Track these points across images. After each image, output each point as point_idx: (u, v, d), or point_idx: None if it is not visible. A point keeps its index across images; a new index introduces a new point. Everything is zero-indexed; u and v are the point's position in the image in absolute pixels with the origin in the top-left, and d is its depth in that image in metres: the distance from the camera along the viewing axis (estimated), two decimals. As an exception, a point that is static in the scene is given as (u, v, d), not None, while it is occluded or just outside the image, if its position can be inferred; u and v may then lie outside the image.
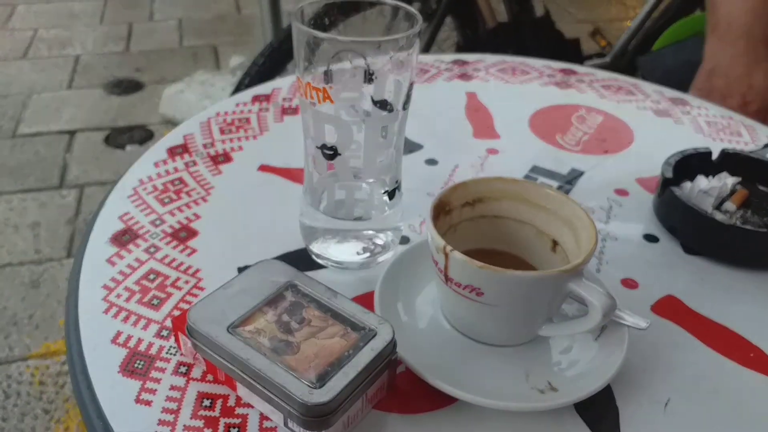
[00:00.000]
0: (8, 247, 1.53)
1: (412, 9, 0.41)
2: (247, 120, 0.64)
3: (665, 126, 0.68)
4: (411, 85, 0.41)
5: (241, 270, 0.45)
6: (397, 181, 0.46)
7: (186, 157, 0.58)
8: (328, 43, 0.38)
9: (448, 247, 0.35)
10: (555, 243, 0.41)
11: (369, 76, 0.39)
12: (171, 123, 2.02)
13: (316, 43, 0.38)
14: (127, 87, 2.24)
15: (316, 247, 0.47)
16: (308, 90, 0.40)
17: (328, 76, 0.39)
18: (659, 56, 1.01)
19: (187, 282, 0.44)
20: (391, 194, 0.45)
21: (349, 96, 0.40)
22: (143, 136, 1.97)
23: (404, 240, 0.49)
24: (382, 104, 0.41)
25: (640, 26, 1.60)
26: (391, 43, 0.38)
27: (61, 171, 1.80)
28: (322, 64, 0.39)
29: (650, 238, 0.52)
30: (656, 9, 1.62)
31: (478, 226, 0.42)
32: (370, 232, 0.46)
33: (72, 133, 1.97)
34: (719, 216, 0.49)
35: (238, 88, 1.17)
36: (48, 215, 1.64)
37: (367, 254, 0.46)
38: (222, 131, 0.62)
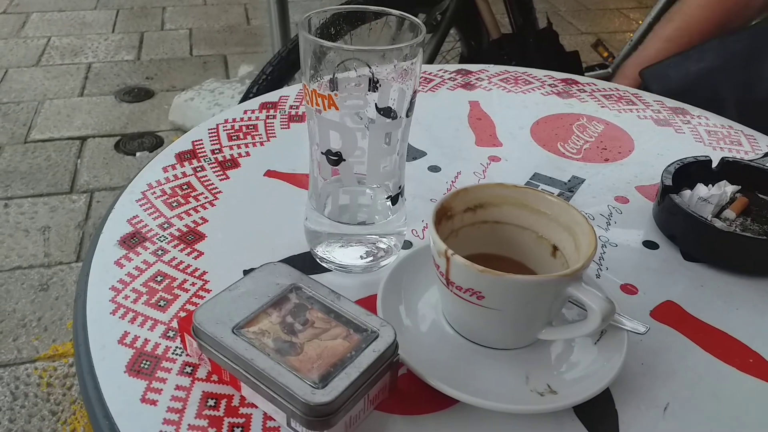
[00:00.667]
0: (18, 250, 1.55)
1: (417, 19, 0.42)
2: (255, 127, 0.66)
3: (665, 135, 0.69)
4: (414, 93, 0.42)
5: (246, 272, 0.46)
6: (400, 187, 0.46)
7: (194, 162, 0.59)
8: (333, 51, 0.39)
9: (450, 251, 0.36)
10: (555, 248, 0.41)
11: (373, 84, 0.40)
12: (180, 130, 2.04)
13: (322, 51, 0.39)
14: (137, 94, 2.26)
15: (321, 251, 0.47)
16: (314, 97, 0.41)
17: (333, 84, 0.40)
18: (662, 68, 1.02)
19: (193, 284, 0.45)
20: (394, 200, 0.46)
21: (353, 103, 0.41)
22: (153, 142, 1.99)
23: (407, 245, 0.50)
24: (386, 112, 0.42)
25: (642, 37, 1.61)
26: (395, 52, 0.39)
27: (72, 176, 1.83)
28: (327, 73, 0.40)
29: (650, 245, 0.52)
30: (658, 20, 1.62)
31: (480, 231, 0.43)
32: (374, 236, 0.47)
33: (83, 140, 1.99)
34: (719, 223, 0.50)
35: (247, 96, 1.18)
36: (58, 220, 1.66)
37: (371, 258, 0.47)
38: (230, 137, 0.63)
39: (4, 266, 1.50)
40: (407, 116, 0.43)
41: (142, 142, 1.99)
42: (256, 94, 1.17)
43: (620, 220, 0.55)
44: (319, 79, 0.40)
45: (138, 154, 1.93)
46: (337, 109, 0.41)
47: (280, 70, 1.22)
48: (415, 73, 0.41)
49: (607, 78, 1.61)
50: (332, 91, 0.40)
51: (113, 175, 1.83)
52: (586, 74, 1.66)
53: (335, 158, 0.43)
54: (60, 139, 1.99)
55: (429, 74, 0.79)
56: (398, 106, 0.42)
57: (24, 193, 1.75)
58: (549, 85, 0.78)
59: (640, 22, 3.01)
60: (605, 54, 1.63)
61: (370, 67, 0.39)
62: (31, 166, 1.86)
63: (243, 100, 1.19)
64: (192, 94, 2.04)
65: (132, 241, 0.49)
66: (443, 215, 0.41)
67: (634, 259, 0.50)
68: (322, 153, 0.44)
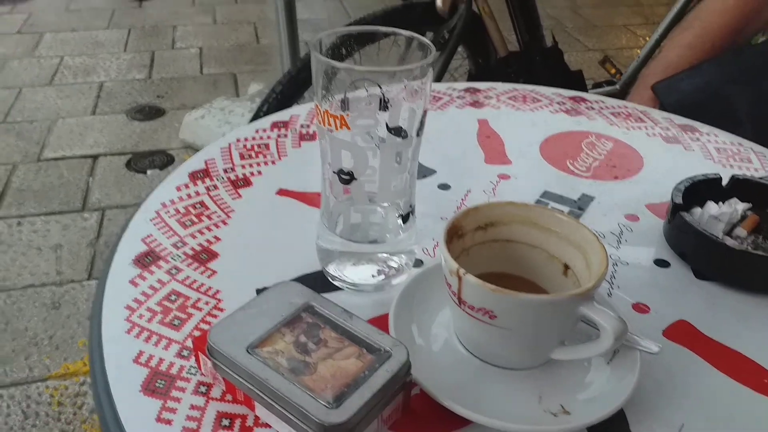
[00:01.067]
0: (31, 268, 1.57)
1: (426, 39, 0.42)
2: (266, 146, 0.66)
3: (675, 152, 0.69)
4: (424, 112, 0.43)
5: (259, 292, 0.47)
6: (410, 206, 0.47)
7: (207, 181, 0.60)
8: (345, 72, 0.39)
9: (462, 270, 0.36)
10: (566, 267, 0.41)
11: (384, 104, 0.40)
12: (191, 148, 2.06)
13: (333, 72, 0.40)
14: (148, 113, 2.29)
15: (332, 269, 0.48)
16: (326, 117, 0.42)
17: (345, 104, 0.41)
18: (675, 81, 1.02)
19: (207, 303, 0.46)
20: (405, 218, 0.47)
21: (365, 123, 0.41)
22: (164, 160, 2.01)
23: (418, 263, 0.50)
24: (397, 131, 0.42)
25: (650, 53, 1.62)
26: (405, 72, 0.40)
27: (84, 194, 1.84)
28: (339, 93, 0.40)
29: (661, 263, 0.52)
30: (666, 35, 1.63)
31: (491, 249, 0.43)
32: (385, 254, 0.47)
33: (95, 158, 2.02)
34: (730, 241, 0.50)
35: (257, 114, 1.19)
36: (70, 237, 1.67)
37: (382, 277, 0.47)
38: (242, 156, 0.64)
39: (17, 284, 1.52)
40: (418, 135, 0.44)
41: (153, 160, 2.01)
42: (266, 113, 1.18)
43: (631, 238, 0.55)
44: (330, 99, 0.41)
45: (149, 172, 1.95)
46: (348, 128, 0.42)
47: (290, 89, 1.23)
48: (426, 93, 0.42)
49: (615, 94, 1.62)
50: (344, 111, 0.41)
51: (124, 193, 1.84)
52: (593, 91, 1.67)
53: (347, 177, 0.44)
54: (72, 158, 2.01)
55: (438, 92, 0.79)
56: (409, 126, 0.42)
57: (37, 211, 1.77)
58: (557, 102, 0.78)
59: (647, 38, 3.02)
60: (613, 71, 1.64)
61: (380, 87, 0.40)
62: (44, 185, 1.88)
63: (254, 118, 1.20)
64: (202, 113, 2.07)
65: (146, 260, 0.50)
66: (454, 234, 0.41)
67: (646, 277, 0.50)
68: (333, 172, 0.44)
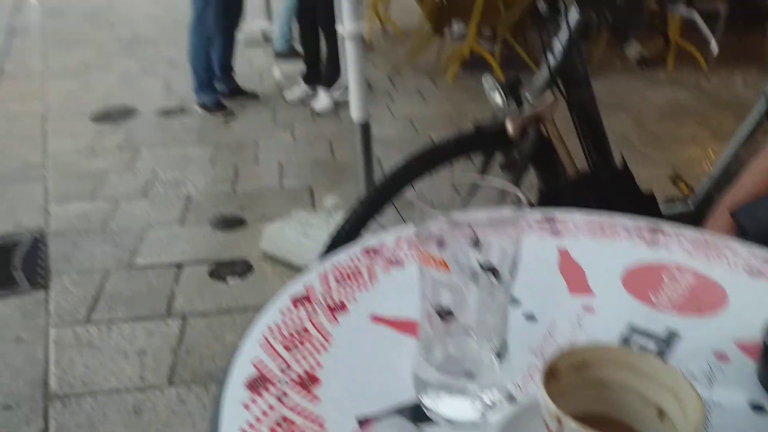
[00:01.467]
0: (117, 372, 1.65)
1: (519, 192, 0.48)
2: (359, 271, 0.72)
3: (759, 286, 0.69)
4: (516, 253, 0.47)
5: (360, 422, 0.50)
6: (504, 341, 0.50)
7: (307, 305, 0.65)
8: (443, 220, 0.45)
9: (562, 415, 0.38)
10: (661, 411, 0.43)
11: (478, 245, 0.45)
12: (270, 258, 2.17)
13: (431, 218, 0.45)
14: (231, 223, 2.45)
15: (428, 401, 0.50)
16: (427, 258, 0.47)
17: (442, 246, 0.46)
18: (755, 206, 1.03)
19: (312, 430, 0.49)
20: (499, 353, 0.50)
21: (461, 263, 0.46)
22: (244, 269, 2.12)
23: (509, 398, 0.52)
24: (491, 271, 0.47)
25: (723, 173, 1.63)
26: (499, 220, 0.45)
27: (168, 301, 1.96)
28: (437, 236, 0.45)
29: (758, 409, 0.52)
30: (738, 152, 1.64)
31: (585, 390, 0.45)
32: (479, 388, 0.50)
33: (180, 266, 2.15)
34: (829, 387, 0.49)
35: (340, 233, 1.27)
36: (154, 343, 1.76)
37: (477, 412, 0.49)
38: (338, 281, 0.70)
39: (102, 388, 1.59)
40: (511, 275, 0.48)
41: (234, 269, 2.12)
42: (347, 232, 1.27)
43: (722, 378, 0.55)
44: (430, 241, 0.46)
45: (230, 280, 2.06)
46: (447, 269, 0.46)
47: (367, 210, 1.32)
48: (517, 237, 0.46)
49: (690, 215, 1.61)
50: (442, 252, 0.46)
51: (206, 301, 1.94)
52: (667, 207, 1.67)
53: (444, 313, 0.48)
54: (160, 266, 2.16)
55: (517, 222, 0.84)
56: (501, 265, 0.46)
57: (125, 317, 1.88)
58: (635, 234, 0.81)
59: (715, 149, 3.03)
60: (685, 189, 1.65)
61: (475, 231, 0.45)
62: (133, 291, 2.01)
63: (336, 237, 1.28)
64: (282, 225, 2.20)
65: (257, 383, 0.54)
66: (551, 375, 0.43)
67: (742, 423, 0.50)
68: (432, 307, 0.48)
